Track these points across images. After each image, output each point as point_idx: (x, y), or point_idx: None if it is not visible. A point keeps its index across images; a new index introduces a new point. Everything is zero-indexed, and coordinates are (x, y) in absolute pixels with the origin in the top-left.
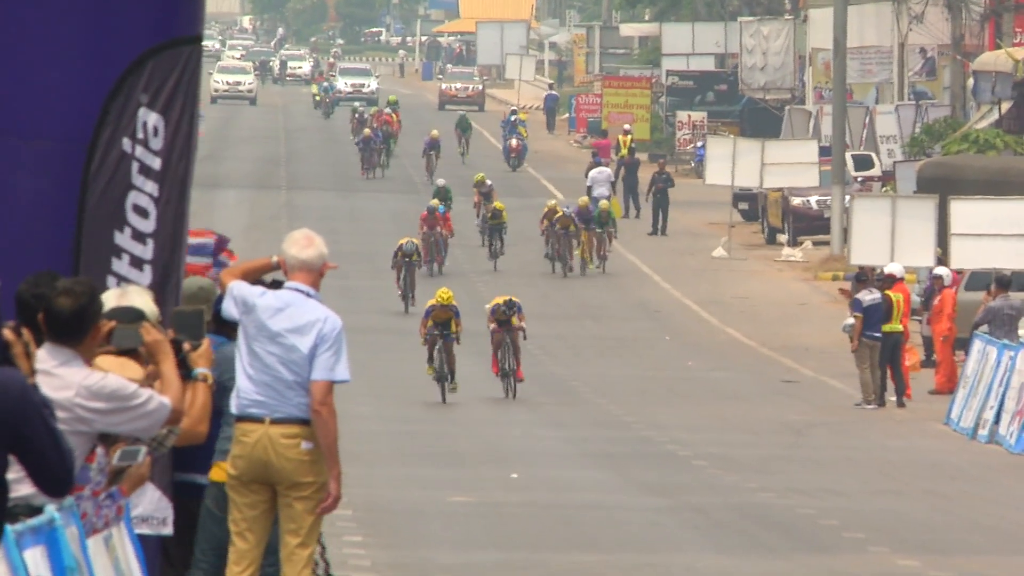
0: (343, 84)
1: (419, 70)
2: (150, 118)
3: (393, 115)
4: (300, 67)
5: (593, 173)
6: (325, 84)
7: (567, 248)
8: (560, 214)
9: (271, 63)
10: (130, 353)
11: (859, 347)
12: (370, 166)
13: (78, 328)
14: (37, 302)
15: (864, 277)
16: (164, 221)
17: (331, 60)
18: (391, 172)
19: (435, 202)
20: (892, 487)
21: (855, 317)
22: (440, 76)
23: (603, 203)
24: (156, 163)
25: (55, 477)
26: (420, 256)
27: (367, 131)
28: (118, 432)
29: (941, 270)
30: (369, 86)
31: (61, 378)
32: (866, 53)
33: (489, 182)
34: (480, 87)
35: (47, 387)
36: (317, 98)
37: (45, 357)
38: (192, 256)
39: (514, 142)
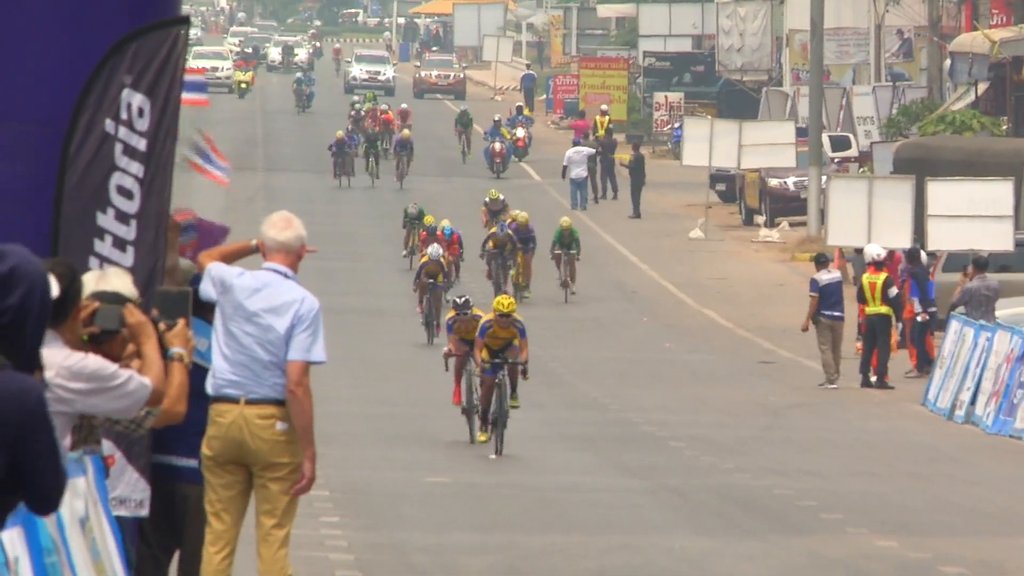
0: (358, 71)
1: (396, 52)
2: (135, 99)
3: (388, 114)
4: (297, 54)
5: (570, 153)
6: (300, 75)
7: (502, 272)
8: (494, 230)
9: (265, 49)
10: (113, 334)
11: (819, 327)
12: (343, 172)
13: (59, 309)
14: None
15: (824, 259)
16: (149, 202)
17: (337, 47)
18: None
19: (445, 222)
20: (870, 468)
21: (810, 297)
22: (418, 64)
23: (564, 220)
24: (142, 144)
25: (47, 495)
26: (447, 277)
27: (340, 134)
28: (98, 412)
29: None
30: (385, 74)
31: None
32: (843, 34)
33: (502, 197)
34: (461, 75)
35: None
36: (243, 86)
37: None
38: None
39: (497, 146)
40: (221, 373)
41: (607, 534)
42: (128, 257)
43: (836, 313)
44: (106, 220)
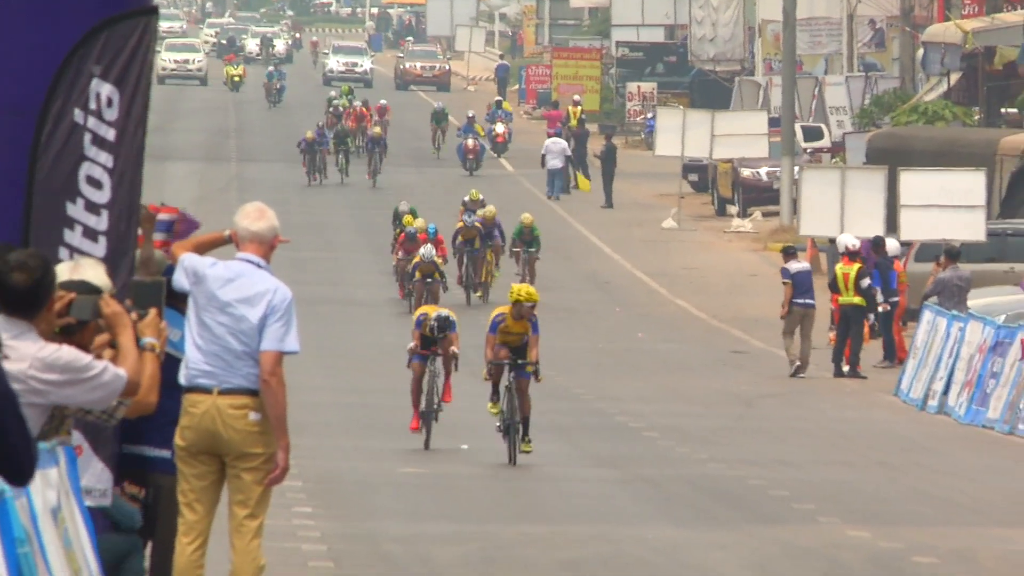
0: (335, 63)
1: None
2: (104, 89)
3: (364, 109)
4: (275, 46)
5: (548, 143)
6: (271, 69)
7: (474, 267)
8: (461, 225)
9: (242, 41)
10: (88, 324)
11: (791, 315)
12: (314, 170)
13: (33, 302)
14: None
15: (791, 251)
16: (119, 192)
17: (314, 39)
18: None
19: (421, 222)
20: (842, 458)
21: (784, 284)
22: (401, 55)
23: (525, 217)
24: (110, 134)
25: (20, 465)
26: (444, 275)
27: (309, 134)
28: (72, 403)
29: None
30: (362, 65)
31: (15, 350)
32: (815, 24)
33: (482, 197)
34: (446, 67)
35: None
36: (236, 79)
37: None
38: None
39: (470, 142)
40: (194, 363)
41: (581, 524)
42: (100, 247)
43: (808, 301)
44: (76, 210)
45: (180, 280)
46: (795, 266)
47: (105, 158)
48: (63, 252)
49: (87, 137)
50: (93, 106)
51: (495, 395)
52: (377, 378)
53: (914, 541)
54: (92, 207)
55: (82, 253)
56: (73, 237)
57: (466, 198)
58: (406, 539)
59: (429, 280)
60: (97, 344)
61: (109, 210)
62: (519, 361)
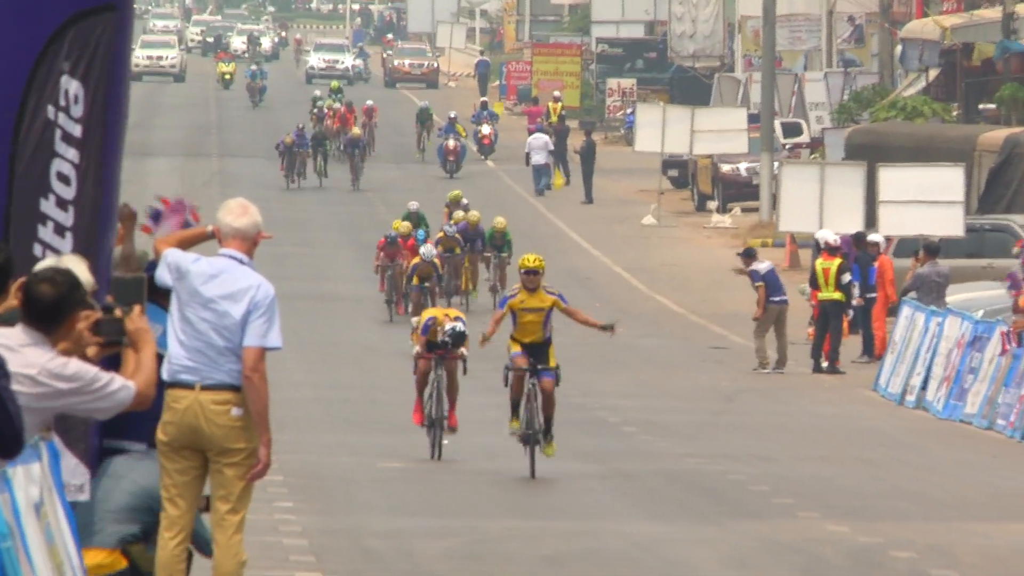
0: (316, 60)
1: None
2: (71, 86)
3: (348, 110)
4: (261, 44)
5: (531, 139)
6: (254, 67)
7: (453, 272)
8: (442, 235)
9: (227, 39)
10: (115, 344)
11: (766, 314)
12: (292, 173)
13: (55, 315)
14: None
15: (752, 253)
16: (84, 188)
17: (298, 36)
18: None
19: (405, 226)
20: (821, 453)
21: (757, 287)
22: (389, 52)
23: (498, 222)
24: (77, 130)
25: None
26: (442, 278)
27: (288, 138)
28: (78, 412)
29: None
30: (344, 63)
31: (25, 357)
32: (795, 21)
33: (465, 201)
34: (435, 64)
35: (12, 363)
36: (227, 77)
37: (17, 335)
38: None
39: (451, 143)
40: (177, 359)
41: (562, 519)
42: (67, 243)
43: (782, 297)
44: (48, 206)
45: (163, 276)
46: (762, 266)
47: (73, 154)
48: (37, 248)
49: (58, 133)
50: (63, 102)
51: (515, 412)
52: (358, 374)
53: (893, 536)
54: (61, 203)
55: (53, 249)
56: (46, 233)
57: (448, 200)
58: (388, 534)
59: (427, 285)
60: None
61: (75, 206)
62: (539, 367)
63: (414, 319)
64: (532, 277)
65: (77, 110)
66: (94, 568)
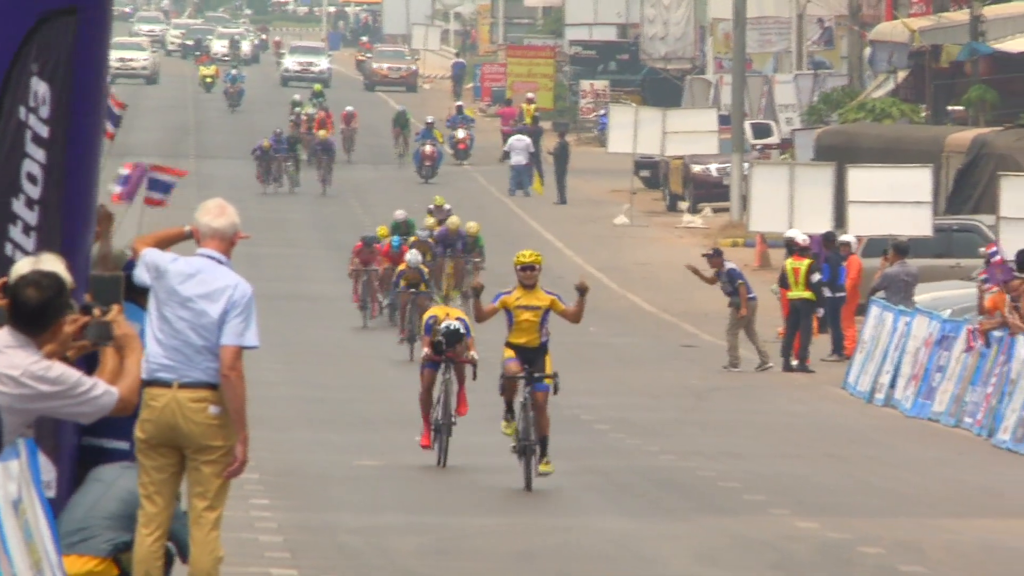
0: (291, 63)
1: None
2: (40, 87)
3: (322, 114)
4: (242, 47)
5: (512, 140)
6: (234, 72)
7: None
8: (414, 239)
9: (208, 42)
10: (103, 347)
11: (735, 312)
12: (268, 179)
13: (40, 319)
14: None
15: (719, 253)
16: (49, 188)
17: (277, 39)
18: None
19: (382, 228)
20: (791, 450)
21: (739, 285)
22: (369, 55)
23: (471, 226)
24: (44, 131)
25: None
26: (430, 284)
27: (266, 142)
28: (60, 415)
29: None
30: (319, 65)
31: (9, 358)
32: (765, 23)
33: (448, 207)
34: (413, 67)
35: None
36: (208, 80)
37: (3, 336)
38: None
39: (428, 148)
40: (154, 357)
41: (535, 515)
42: (31, 242)
43: (751, 296)
44: (19, 206)
45: (141, 275)
46: (733, 266)
47: (41, 155)
48: (8, 247)
49: (28, 134)
50: (32, 103)
51: (509, 413)
52: (334, 372)
53: (862, 532)
54: (30, 203)
55: (20, 248)
56: (15, 232)
57: (431, 206)
58: (363, 530)
59: (414, 291)
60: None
61: (41, 206)
62: (535, 374)
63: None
64: (530, 273)
65: (45, 111)
66: (86, 575)
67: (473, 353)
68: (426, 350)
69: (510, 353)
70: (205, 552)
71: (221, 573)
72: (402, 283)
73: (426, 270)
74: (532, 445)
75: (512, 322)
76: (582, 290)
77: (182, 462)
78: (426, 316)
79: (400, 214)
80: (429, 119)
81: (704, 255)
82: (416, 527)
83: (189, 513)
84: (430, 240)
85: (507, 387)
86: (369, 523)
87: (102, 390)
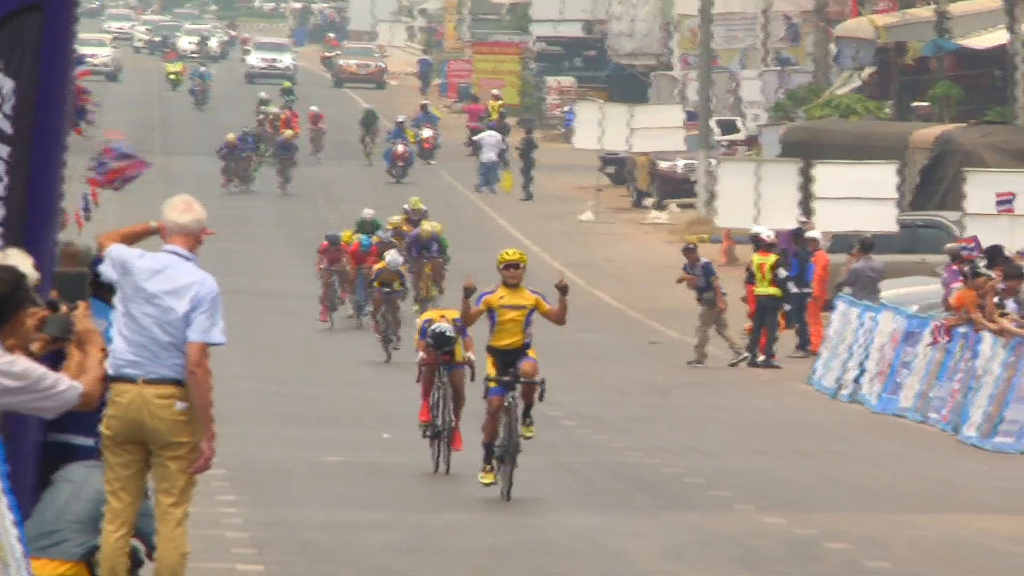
0: (256, 60)
1: (292, 37)
2: (6, 84)
3: (288, 114)
4: (210, 44)
5: (484, 135)
6: (203, 69)
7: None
8: (377, 239)
9: (175, 39)
10: (62, 341)
11: (705, 307)
12: (232, 176)
13: (1, 314)
14: None
15: (693, 248)
16: (15, 184)
17: (245, 36)
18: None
19: (347, 233)
20: (757, 446)
21: (713, 279)
22: (336, 51)
23: (433, 226)
24: (8, 127)
25: None
26: (405, 284)
27: (231, 136)
28: (24, 410)
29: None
30: (284, 62)
31: None
32: (731, 20)
33: (424, 208)
34: (381, 65)
35: None
36: (174, 77)
37: None
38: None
39: (399, 148)
40: (121, 353)
41: (501, 511)
42: None
43: (723, 292)
44: None
45: (107, 271)
46: (708, 261)
47: (5, 151)
48: None
49: None
50: None
51: (488, 464)
52: (300, 368)
53: (827, 527)
54: None
55: None
56: None
57: (407, 206)
58: (329, 527)
59: (387, 290)
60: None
61: (6, 202)
62: (519, 380)
63: (416, 321)
64: (514, 271)
65: (9, 107)
66: None
67: (470, 355)
68: (421, 354)
69: (491, 368)
70: (171, 548)
71: (187, 569)
72: (377, 284)
73: (404, 270)
74: (513, 452)
75: (495, 323)
76: (562, 289)
77: (148, 458)
78: (421, 320)
79: (367, 213)
80: (400, 118)
81: (685, 250)
82: (383, 523)
83: (155, 509)
84: (394, 240)
85: (489, 428)
86: (335, 519)
87: (66, 385)
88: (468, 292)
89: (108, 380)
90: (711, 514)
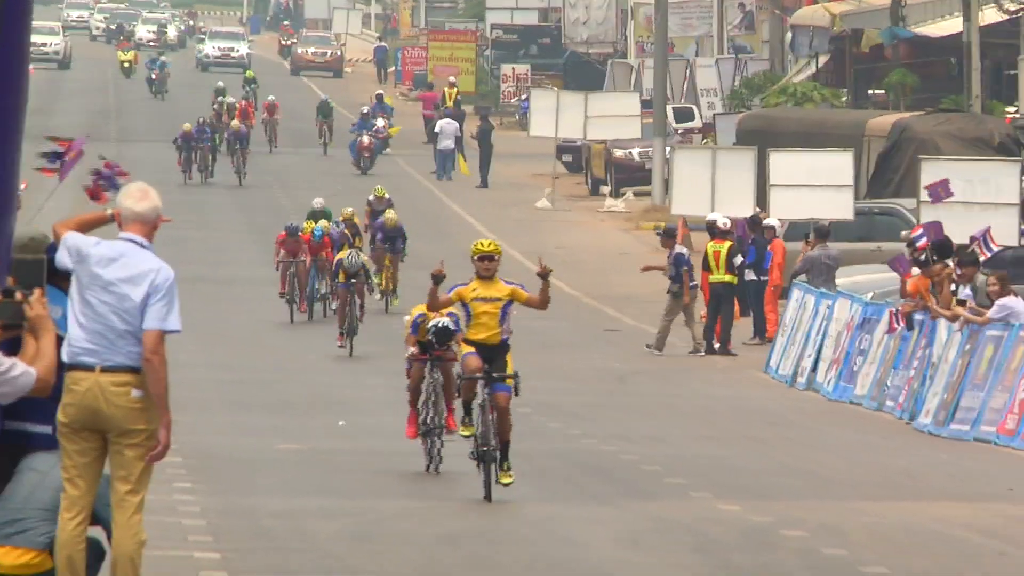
0: (211, 48)
1: (247, 24)
2: None
3: (249, 104)
4: (167, 32)
5: (442, 123)
6: (161, 59)
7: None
8: (326, 225)
9: (131, 27)
10: (14, 327)
11: (673, 298)
12: (189, 168)
13: None
14: None
15: (672, 232)
16: None
17: (202, 25)
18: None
19: (307, 224)
20: (713, 433)
21: (683, 272)
22: (292, 40)
23: (390, 215)
24: None
25: None
26: (369, 276)
27: (187, 126)
28: None
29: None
30: (239, 51)
31: None
32: (687, 7)
33: (388, 196)
34: (339, 53)
35: None
36: (126, 66)
37: None
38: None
39: (365, 139)
40: (76, 341)
41: (456, 499)
42: None
43: (692, 283)
44: None
45: (63, 258)
46: (685, 251)
47: None
48: None
49: None
50: None
51: (467, 416)
52: (255, 355)
53: (784, 515)
54: None
55: None
56: None
57: (371, 197)
58: (284, 514)
59: (353, 280)
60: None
61: None
62: (495, 374)
63: (405, 317)
64: (488, 264)
65: None
66: (21, 567)
67: (456, 347)
68: (411, 349)
69: (468, 347)
70: (128, 536)
71: (144, 557)
72: (341, 275)
73: (366, 259)
74: (492, 451)
75: (469, 316)
76: (544, 275)
77: (105, 446)
78: (413, 313)
79: (318, 202)
80: (365, 109)
81: (656, 233)
82: (337, 510)
83: (111, 497)
84: (346, 232)
85: (465, 386)
86: (291, 507)
87: (20, 370)
88: (438, 279)
89: (64, 368)
90: (667, 501)
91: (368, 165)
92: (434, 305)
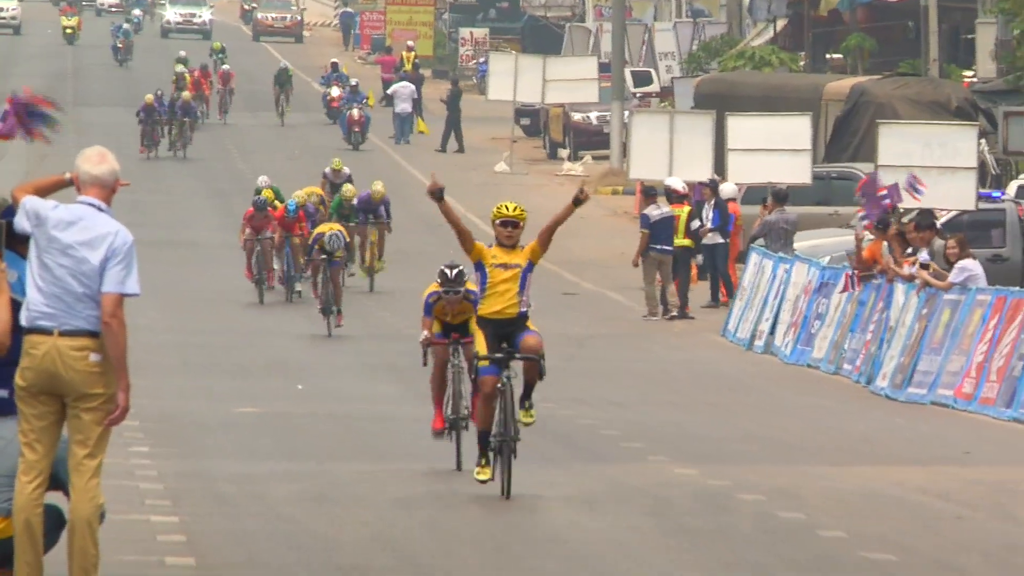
0: (173, 14)
1: None
2: None
3: (198, 73)
4: None
5: (397, 87)
6: (126, 25)
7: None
8: (303, 203)
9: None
10: None
11: (647, 262)
12: (152, 143)
13: None
14: None
15: (652, 192)
16: None
17: None
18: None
19: (267, 192)
20: (670, 398)
21: (641, 233)
22: (253, 4)
23: (377, 187)
24: None
25: None
26: (349, 253)
27: (149, 97)
28: None
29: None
30: (201, 16)
31: None
32: None
33: (347, 171)
34: (299, 17)
35: None
36: (68, 31)
37: None
38: None
39: (355, 112)
40: (35, 305)
41: (413, 462)
42: None
43: (666, 247)
44: None
45: (21, 222)
46: (655, 212)
47: None
48: None
49: None
50: None
51: (484, 451)
52: (214, 319)
53: (740, 479)
54: None
55: None
56: None
57: (327, 170)
58: (241, 478)
59: (325, 257)
60: None
61: None
62: (516, 355)
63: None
64: (512, 230)
65: None
66: None
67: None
68: (426, 333)
69: (481, 347)
70: (85, 499)
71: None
72: (317, 247)
73: (346, 234)
74: (511, 442)
75: (485, 285)
76: (580, 200)
77: (63, 410)
78: (425, 293)
79: (263, 180)
80: (354, 81)
81: (641, 192)
82: (294, 474)
83: (69, 460)
84: (321, 209)
85: (483, 411)
86: (247, 471)
87: None
88: (439, 193)
89: (23, 332)
90: (624, 465)
91: (360, 140)
92: (454, 221)
